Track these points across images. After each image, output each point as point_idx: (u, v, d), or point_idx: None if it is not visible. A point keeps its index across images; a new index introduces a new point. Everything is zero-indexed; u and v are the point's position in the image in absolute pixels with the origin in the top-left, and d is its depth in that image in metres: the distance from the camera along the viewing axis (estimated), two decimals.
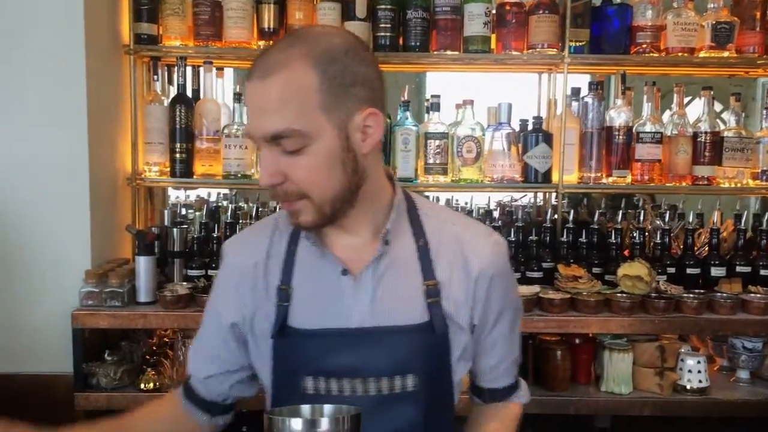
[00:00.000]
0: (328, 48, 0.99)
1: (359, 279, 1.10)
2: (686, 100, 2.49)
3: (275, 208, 2.64)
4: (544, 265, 2.27)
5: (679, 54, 2.35)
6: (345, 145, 1.01)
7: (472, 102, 2.37)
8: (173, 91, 2.42)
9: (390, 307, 1.10)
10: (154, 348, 2.23)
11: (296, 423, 0.79)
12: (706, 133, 2.38)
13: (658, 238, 2.31)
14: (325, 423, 0.80)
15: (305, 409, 0.84)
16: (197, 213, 2.53)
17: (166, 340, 2.30)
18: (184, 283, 2.16)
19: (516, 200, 3.15)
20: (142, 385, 2.02)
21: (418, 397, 1.09)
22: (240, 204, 2.68)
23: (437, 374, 1.13)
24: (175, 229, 2.24)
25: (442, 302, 1.11)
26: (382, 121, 1.04)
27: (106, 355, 2.05)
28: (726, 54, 2.36)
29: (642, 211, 2.44)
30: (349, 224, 1.10)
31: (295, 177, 1.00)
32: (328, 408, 0.84)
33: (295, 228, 1.09)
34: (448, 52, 2.34)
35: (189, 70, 2.38)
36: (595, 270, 2.24)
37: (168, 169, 2.35)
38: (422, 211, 1.17)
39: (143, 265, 2.07)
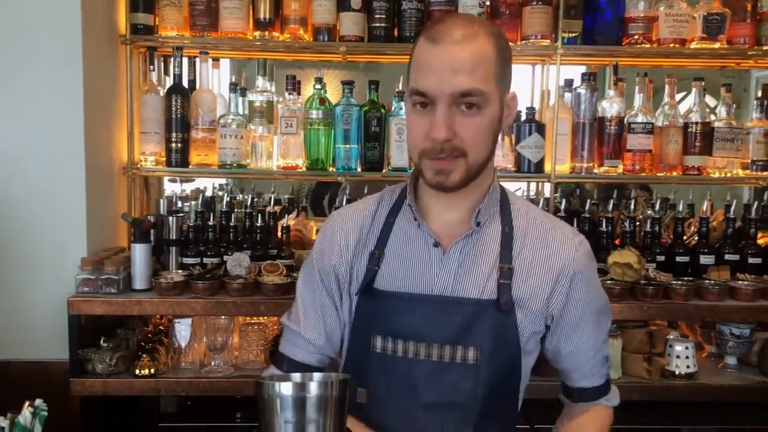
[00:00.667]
0: (499, 32, 1.18)
1: (448, 252, 1.22)
2: (680, 96, 2.52)
3: (270, 199, 2.67)
4: None
5: (671, 45, 2.37)
6: (499, 117, 1.17)
7: None
8: (169, 82, 2.44)
9: (467, 281, 1.21)
10: (149, 335, 2.25)
11: (286, 387, 0.82)
12: (696, 123, 2.40)
13: (648, 227, 2.34)
14: (313, 386, 0.83)
15: (296, 377, 0.86)
16: (193, 202, 2.55)
17: (161, 327, 2.32)
18: (180, 271, 2.18)
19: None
20: (138, 371, 2.05)
21: (478, 372, 1.18)
22: (233, 195, 2.71)
23: (499, 354, 1.20)
24: (171, 218, 2.26)
25: (513, 285, 1.20)
26: (517, 105, 1.22)
27: (101, 342, 2.07)
28: (717, 45, 2.38)
29: (633, 201, 2.46)
30: (455, 200, 1.22)
31: (465, 134, 1.12)
32: (317, 375, 0.87)
33: (438, 186, 1.17)
34: None
35: (185, 60, 2.39)
36: None
37: (164, 159, 2.37)
38: (514, 205, 1.28)
39: (139, 252, 2.09)
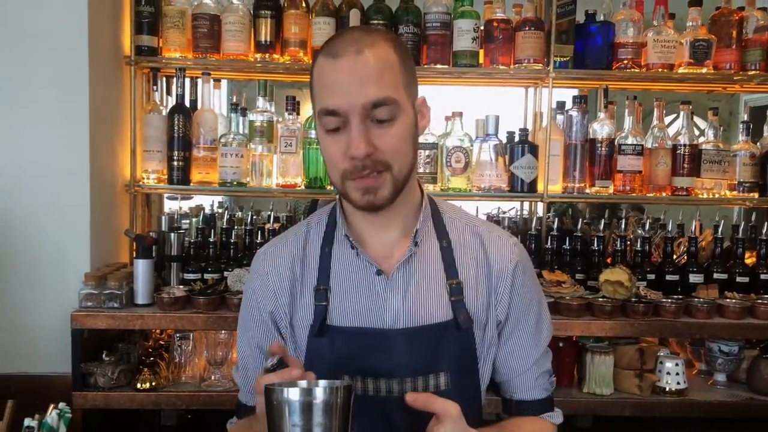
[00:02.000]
0: (397, 37, 1.17)
1: (392, 279, 1.16)
2: (669, 118, 2.59)
3: (269, 216, 2.72)
4: None
5: (659, 70, 2.45)
6: (414, 122, 1.13)
7: (461, 114, 2.46)
8: (171, 102, 2.50)
9: (419, 306, 1.16)
10: (150, 349, 2.29)
11: (293, 392, 0.86)
12: (685, 145, 2.47)
13: (639, 246, 2.40)
14: (319, 392, 0.87)
15: (301, 383, 0.91)
16: (193, 219, 2.60)
17: (161, 342, 2.36)
18: (181, 286, 2.22)
19: (504, 212, 3.24)
20: (139, 385, 2.08)
21: (449, 396, 1.11)
22: (232, 213, 2.75)
23: (466, 372, 1.17)
24: (172, 234, 2.31)
25: (465, 300, 1.17)
26: (430, 109, 1.19)
27: (104, 356, 2.11)
28: (704, 70, 2.46)
29: (624, 221, 2.52)
30: (387, 218, 1.16)
31: (385, 146, 1.07)
32: (323, 381, 0.92)
33: (369, 205, 1.11)
34: (438, 66, 2.43)
35: (187, 81, 2.45)
36: (578, 276, 2.32)
37: (165, 177, 2.42)
38: (446, 215, 1.24)
39: (141, 267, 2.13)
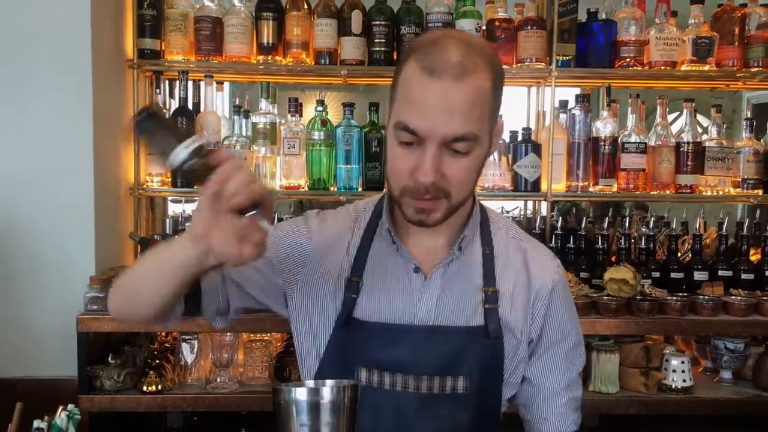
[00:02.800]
0: (496, 58, 1.08)
1: (429, 278, 1.15)
2: (672, 116, 2.59)
3: (274, 218, 2.72)
4: None
5: (662, 68, 2.45)
6: (487, 152, 1.08)
7: None
8: (174, 104, 2.50)
9: (451, 308, 1.15)
10: (155, 352, 2.29)
11: (301, 392, 0.87)
12: (688, 143, 2.47)
13: (643, 244, 2.39)
14: (327, 392, 0.87)
15: (309, 383, 0.91)
16: None
17: (167, 344, 2.36)
18: None
19: (508, 212, 3.24)
20: (145, 388, 2.08)
21: (467, 401, 1.13)
22: None
23: (488, 381, 1.15)
24: (177, 237, 2.30)
25: (499, 310, 1.15)
26: (503, 131, 1.14)
27: (109, 359, 2.11)
28: (707, 68, 2.45)
29: (628, 219, 2.53)
30: (435, 229, 1.12)
31: (452, 176, 1.03)
32: (330, 381, 0.92)
33: (419, 224, 1.08)
34: None
35: (190, 83, 2.45)
36: (583, 274, 2.32)
37: (169, 180, 2.43)
38: (494, 224, 1.22)
39: None
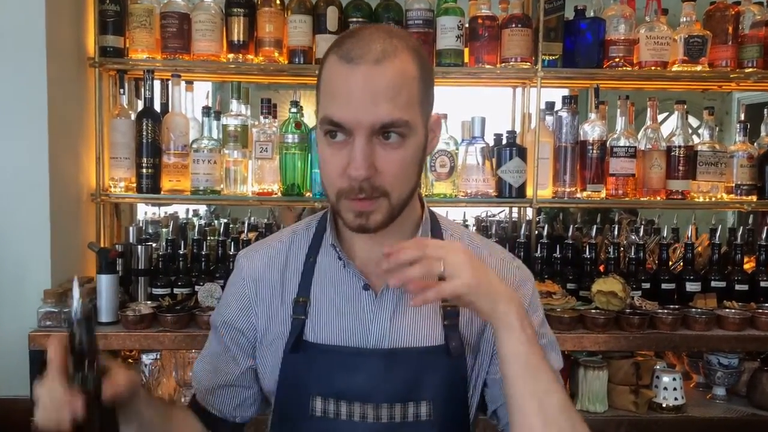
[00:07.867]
0: (419, 45, 1.02)
1: (380, 296, 1.07)
2: (662, 116, 2.49)
3: (245, 222, 2.60)
4: None
5: (652, 68, 2.35)
6: (424, 144, 1.02)
7: (445, 116, 2.33)
8: (140, 105, 2.37)
9: (407, 327, 1.06)
10: None
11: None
12: (679, 147, 2.36)
13: (633, 253, 2.29)
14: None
15: None
16: (164, 230, 2.47)
17: (130, 361, 2.23)
18: (148, 303, 2.09)
19: (493, 215, 3.13)
20: None
21: (431, 428, 1.05)
22: (209, 221, 2.63)
23: (453, 405, 1.08)
24: (139, 247, 2.18)
25: (460, 326, 1.07)
26: (441, 128, 1.07)
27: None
28: (699, 68, 2.35)
29: (617, 226, 2.42)
30: (381, 236, 1.04)
31: (387, 170, 0.96)
32: None
33: (360, 229, 1.00)
34: None
35: (157, 83, 2.33)
36: (570, 286, 2.21)
37: (134, 185, 2.29)
38: (446, 232, 1.14)
39: (104, 283, 2.01)
